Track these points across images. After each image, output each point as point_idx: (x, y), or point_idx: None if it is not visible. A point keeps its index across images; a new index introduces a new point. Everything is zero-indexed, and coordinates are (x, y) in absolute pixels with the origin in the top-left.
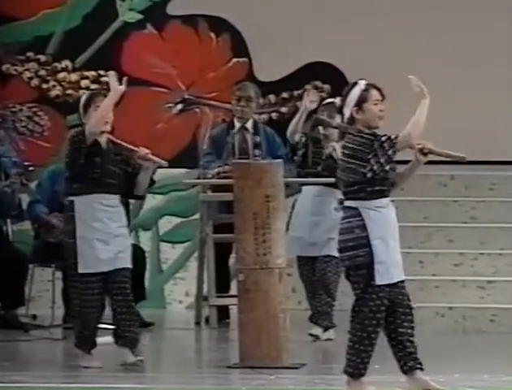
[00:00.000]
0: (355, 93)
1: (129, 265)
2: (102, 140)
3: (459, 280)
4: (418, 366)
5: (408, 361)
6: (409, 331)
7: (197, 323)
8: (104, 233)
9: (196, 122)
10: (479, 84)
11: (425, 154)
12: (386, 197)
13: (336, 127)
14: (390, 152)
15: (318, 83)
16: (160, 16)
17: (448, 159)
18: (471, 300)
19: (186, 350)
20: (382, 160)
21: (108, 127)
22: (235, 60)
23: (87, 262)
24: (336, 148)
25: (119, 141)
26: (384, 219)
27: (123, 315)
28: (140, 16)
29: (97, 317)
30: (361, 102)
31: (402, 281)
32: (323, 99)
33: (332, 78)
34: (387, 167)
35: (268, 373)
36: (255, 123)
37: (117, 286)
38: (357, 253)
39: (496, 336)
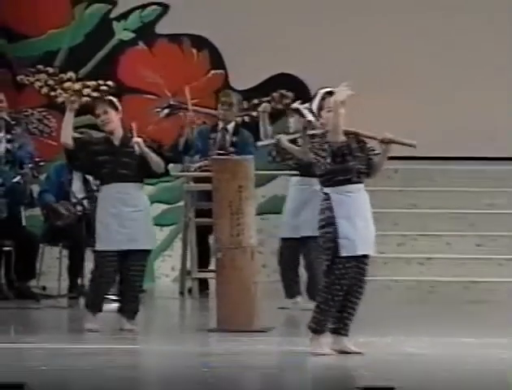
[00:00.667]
0: (316, 101)
1: (144, 247)
2: (116, 137)
3: (403, 258)
4: (344, 332)
5: (339, 325)
6: (357, 300)
7: (181, 294)
8: (118, 217)
9: (180, 124)
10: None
11: (386, 143)
12: (354, 183)
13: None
14: (328, 151)
15: (284, 91)
16: (150, 35)
17: (404, 145)
18: (413, 274)
19: (172, 316)
20: (328, 158)
21: (110, 127)
22: (213, 72)
23: (103, 241)
24: (281, 139)
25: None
26: (351, 202)
27: (129, 292)
28: (133, 35)
29: (107, 287)
30: (319, 110)
31: (367, 256)
32: (289, 103)
33: (295, 87)
34: (332, 161)
35: (242, 336)
36: (237, 126)
37: (130, 264)
38: (327, 230)
39: (435, 305)
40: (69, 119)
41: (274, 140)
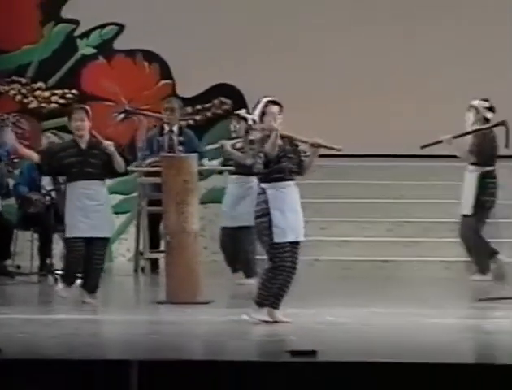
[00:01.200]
0: (259, 108)
1: (105, 235)
2: (84, 140)
3: (324, 240)
4: (276, 306)
5: (275, 300)
6: (290, 279)
7: (135, 271)
8: (83, 210)
9: (134, 127)
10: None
11: (316, 147)
12: (287, 180)
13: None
14: (264, 154)
15: (223, 98)
16: (108, 50)
17: (331, 149)
18: (333, 254)
19: (127, 291)
20: (263, 159)
21: (82, 133)
22: (162, 82)
23: (71, 229)
24: (223, 144)
25: (99, 139)
26: (283, 196)
27: (91, 271)
28: (94, 50)
29: (77, 266)
30: (261, 116)
31: (298, 242)
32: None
33: (233, 95)
34: (264, 161)
35: (187, 307)
36: (180, 128)
37: (93, 249)
38: (262, 220)
39: (352, 281)
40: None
41: (218, 144)
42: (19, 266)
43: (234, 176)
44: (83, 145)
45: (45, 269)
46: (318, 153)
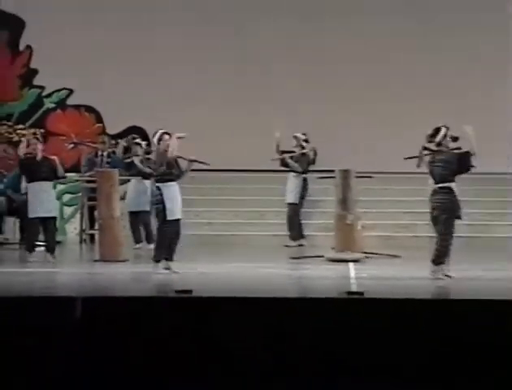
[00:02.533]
0: (156, 137)
1: (54, 215)
2: (38, 157)
3: (198, 222)
4: (170, 258)
5: (168, 255)
6: (177, 241)
7: (80, 242)
8: (40, 200)
9: (79, 153)
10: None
11: (191, 162)
12: (172, 181)
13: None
14: (155, 163)
15: (134, 135)
16: (64, 105)
17: (201, 164)
18: (203, 231)
19: (75, 254)
20: (161, 168)
21: (38, 153)
22: (97, 125)
23: (31, 212)
24: (134, 160)
25: (51, 157)
26: (172, 192)
27: (49, 239)
28: (54, 105)
29: (36, 235)
30: (158, 141)
31: (179, 219)
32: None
33: (140, 133)
34: (159, 170)
35: (113, 264)
36: (108, 153)
37: (47, 224)
38: (158, 206)
39: (215, 247)
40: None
41: (129, 160)
42: (7, 239)
43: (136, 179)
44: (38, 159)
45: (23, 241)
46: (192, 166)
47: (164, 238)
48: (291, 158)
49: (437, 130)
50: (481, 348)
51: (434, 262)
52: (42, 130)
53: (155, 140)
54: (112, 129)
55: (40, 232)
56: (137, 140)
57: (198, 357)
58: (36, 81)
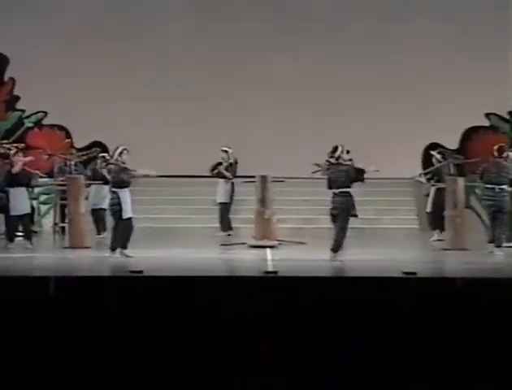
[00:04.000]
0: (118, 151)
1: (28, 211)
2: (16, 169)
3: (155, 217)
4: (125, 247)
5: (123, 245)
6: (131, 231)
7: (54, 233)
8: (19, 201)
9: (53, 162)
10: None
11: (147, 176)
12: (126, 187)
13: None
14: (111, 172)
15: (97, 148)
16: (40, 125)
17: (152, 175)
18: (150, 223)
19: (48, 242)
20: (111, 175)
21: (19, 165)
22: (67, 140)
23: (12, 210)
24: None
25: (26, 168)
26: (125, 195)
27: (27, 230)
28: (32, 125)
29: (16, 228)
30: (120, 155)
31: (131, 217)
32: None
33: (101, 146)
34: (116, 178)
35: (79, 250)
36: (76, 163)
37: (24, 219)
38: (115, 208)
39: (158, 238)
40: None
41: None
42: None
43: (97, 185)
44: (17, 169)
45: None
46: (142, 174)
47: (119, 233)
48: (225, 168)
49: (335, 148)
50: (367, 312)
51: (333, 251)
52: (23, 144)
53: (116, 154)
54: (79, 144)
55: (19, 225)
56: (102, 154)
57: (149, 325)
58: (18, 106)
